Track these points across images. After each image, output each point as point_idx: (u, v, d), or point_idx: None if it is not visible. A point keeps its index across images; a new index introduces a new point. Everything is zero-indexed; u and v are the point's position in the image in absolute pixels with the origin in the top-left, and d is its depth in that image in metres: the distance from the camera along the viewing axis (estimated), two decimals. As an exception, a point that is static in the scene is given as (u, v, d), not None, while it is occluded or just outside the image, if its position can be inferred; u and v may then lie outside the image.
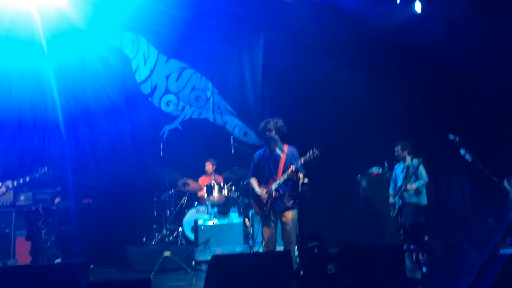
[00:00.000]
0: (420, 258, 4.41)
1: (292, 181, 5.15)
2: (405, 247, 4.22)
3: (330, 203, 8.05)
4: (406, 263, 4.08)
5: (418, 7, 8.45)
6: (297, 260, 5.32)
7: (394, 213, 6.79)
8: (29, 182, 5.13)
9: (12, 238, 6.12)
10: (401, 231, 4.67)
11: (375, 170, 7.89)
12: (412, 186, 6.57)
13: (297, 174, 4.98)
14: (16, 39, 7.08)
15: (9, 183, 4.82)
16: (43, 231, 6.24)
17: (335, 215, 8.05)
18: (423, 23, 8.10)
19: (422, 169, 6.63)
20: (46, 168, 5.04)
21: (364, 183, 7.80)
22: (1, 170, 5.41)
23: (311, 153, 5.01)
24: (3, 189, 4.78)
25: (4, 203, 6.16)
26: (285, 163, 5.19)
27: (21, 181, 4.94)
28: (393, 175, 7.05)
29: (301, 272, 3.84)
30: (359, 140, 8.32)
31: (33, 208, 6.26)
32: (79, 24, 7.54)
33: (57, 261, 6.15)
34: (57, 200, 6.63)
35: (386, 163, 7.84)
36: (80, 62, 7.81)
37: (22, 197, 6.37)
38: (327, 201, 7.97)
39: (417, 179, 6.61)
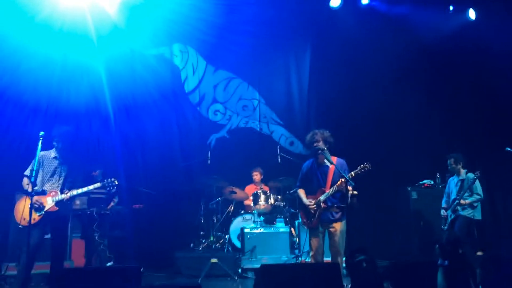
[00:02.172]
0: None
1: (340, 193, 5.11)
2: (439, 262, 4.07)
3: (379, 216, 7.87)
4: (438, 279, 3.95)
5: (472, 14, 8.22)
6: (344, 272, 5.25)
7: (446, 226, 6.60)
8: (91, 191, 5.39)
9: (68, 240, 6.42)
10: (437, 246, 4.50)
11: (426, 182, 7.68)
12: (466, 201, 6.38)
13: (346, 186, 4.95)
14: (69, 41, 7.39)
15: (74, 191, 5.11)
16: (97, 235, 6.48)
17: (384, 227, 7.86)
18: (477, 31, 7.86)
19: (477, 184, 6.43)
20: (113, 178, 5.29)
21: (414, 195, 7.59)
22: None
23: (362, 166, 4.95)
24: (69, 194, 5.07)
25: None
26: (333, 175, 5.16)
27: (91, 187, 5.23)
28: (447, 187, 6.85)
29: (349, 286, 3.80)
30: (410, 152, 8.12)
31: (88, 212, 6.52)
32: (130, 34, 7.83)
33: (109, 264, 6.36)
34: (111, 204, 6.88)
35: (438, 175, 7.61)
36: (130, 72, 8.10)
37: (77, 202, 6.63)
38: (376, 214, 7.80)
39: (471, 193, 6.41)
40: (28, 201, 4.98)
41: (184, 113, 8.65)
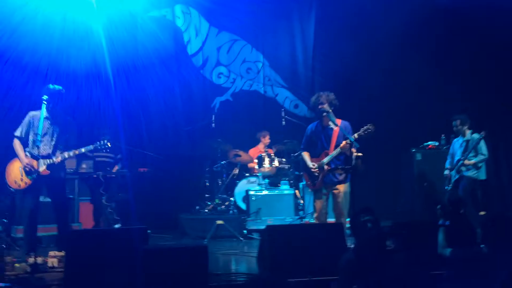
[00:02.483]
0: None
1: (344, 155, 5.11)
2: (440, 222, 4.12)
3: (384, 177, 7.90)
4: (438, 238, 4.00)
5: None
6: (348, 232, 5.33)
7: (450, 186, 6.62)
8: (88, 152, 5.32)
9: (76, 203, 6.52)
10: (438, 206, 4.55)
11: (431, 143, 7.66)
12: (470, 162, 6.38)
13: (350, 148, 4.95)
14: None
15: (66, 154, 5.02)
16: (104, 198, 6.57)
17: (389, 189, 7.92)
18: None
19: (482, 144, 6.40)
20: (106, 140, 5.21)
21: (419, 156, 7.59)
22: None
23: (365, 128, 4.94)
24: (60, 157, 4.98)
25: (69, 170, 6.52)
26: (337, 137, 5.15)
27: (82, 150, 5.13)
28: (451, 149, 6.83)
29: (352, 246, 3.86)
30: (415, 113, 8.06)
31: (94, 175, 6.58)
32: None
33: (117, 226, 6.48)
34: (115, 168, 6.95)
35: (443, 136, 7.58)
36: (131, 35, 7.98)
37: (84, 165, 6.71)
38: (381, 175, 7.82)
39: (476, 154, 6.40)
40: (18, 164, 4.91)
41: (187, 76, 8.57)
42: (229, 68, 8.79)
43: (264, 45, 8.85)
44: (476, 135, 6.45)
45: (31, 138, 4.99)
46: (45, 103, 4.93)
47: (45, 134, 5.00)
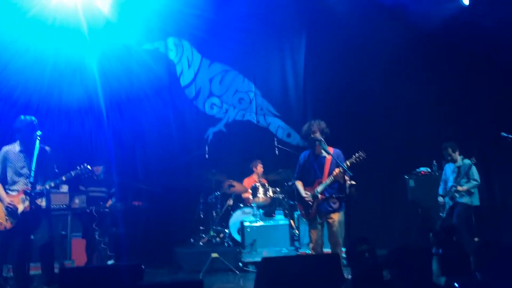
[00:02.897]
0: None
1: (338, 183, 5.12)
2: (433, 250, 4.09)
3: (377, 204, 7.90)
4: (433, 267, 3.96)
5: (465, 0, 8.18)
6: (344, 262, 5.28)
7: (444, 213, 6.64)
8: (66, 181, 5.16)
9: (69, 239, 6.43)
10: (431, 234, 4.54)
11: (423, 169, 7.70)
12: (463, 188, 6.43)
13: (344, 176, 4.96)
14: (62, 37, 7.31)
15: (47, 185, 4.90)
16: (97, 233, 6.48)
17: (383, 216, 7.90)
18: (471, 17, 7.83)
19: (474, 170, 6.48)
20: (85, 164, 5.07)
21: (412, 183, 7.63)
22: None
23: (356, 155, 4.97)
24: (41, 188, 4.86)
25: (61, 206, 6.46)
26: (330, 165, 5.17)
27: (63, 178, 5.02)
28: (443, 175, 6.88)
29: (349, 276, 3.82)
30: (406, 140, 8.12)
31: (87, 210, 6.51)
32: (123, 30, 7.77)
33: (110, 262, 6.37)
34: (109, 202, 6.89)
35: (434, 162, 7.63)
36: (124, 68, 8.04)
37: (76, 200, 6.65)
38: (374, 203, 7.82)
39: (468, 180, 6.45)
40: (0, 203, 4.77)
41: (181, 107, 8.63)
42: (222, 99, 8.87)
43: (255, 75, 8.96)
44: (467, 161, 6.52)
45: (9, 175, 4.88)
46: (39, 138, 4.85)
47: (22, 167, 4.88)
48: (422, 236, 7.02)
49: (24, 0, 6.76)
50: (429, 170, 7.71)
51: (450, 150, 6.68)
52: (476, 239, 6.61)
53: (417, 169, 7.76)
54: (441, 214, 6.68)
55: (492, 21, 7.40)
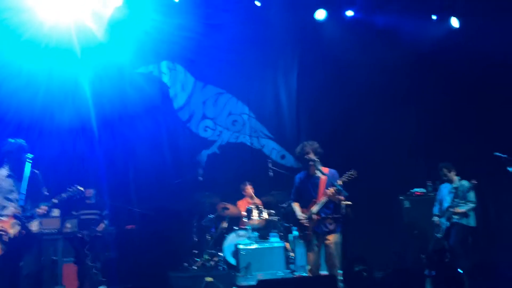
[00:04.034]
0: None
1: (333, 203, 5.09)
2: (426, 272, 4.05)
3: (373, 226, 7.85)
4: None
5: (454, 22, 8.35)
6: (341, 285, 5.20)
7: (441, 234, 6.59)
8: (58, 204, 5.05)
9: (59, 265, 6.30)
10: (423, 256, 4.51)
11: (418, 190, 7.69)
12: (462, 210, 6.44)
13: (338, 196, 4.94)
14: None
15: (38, 210, 4.81)
16: (89, 258, 6.36)
17: (379, 237, 7.83)
18: (461, 38, 7.98)
19: (472, 192, 6.48)
20: (77, 185, 4.99)
21: (407, 203, 7.61)
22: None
23: (348, 174, 4.96)
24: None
25: (52, 231, 6.35)
26: (325, 185, 5.14)
27: (55, 200, 4.92)
28: (438, 194, 6.87)
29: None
30: (401, 160, 8.14)
31: (79, 235, 6.41)
32: (117, 53, 7.80)
33: (102, 287, 6.23)
34: (101, 226, 6.79)
35: (429, 182, 7.63)
36: (118, 92, 8.02)
37: (68, 225, 6.56)
38: (370, 224, 7.78)
39: (465, 201, 6.44)
40: None
41: (174, 130, 8.62)
42: (215, 121, 8.87)
43: (249, 98, 9.00)
44: (465, 182, 6.52)
45: None
46: (30, 161, 4.76)
47: (11, 192, 4.77)
48: (417, 257, 6.95)
49: (18, 23, 6.77)
50: (424, 190, 7.70)
51: (445, 171, 6.69)
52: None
53: (412, 190, 7.74)
54: (436, 234, 6.63)
55: (481, 43, 7.54)
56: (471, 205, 6.47)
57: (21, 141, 4.92)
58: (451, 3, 8.13)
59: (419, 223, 7.41)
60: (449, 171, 6.67)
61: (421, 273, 4.37)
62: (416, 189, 7.75)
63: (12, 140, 4.89)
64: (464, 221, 6.46)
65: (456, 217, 6.46)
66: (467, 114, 8.13)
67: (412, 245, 7.42)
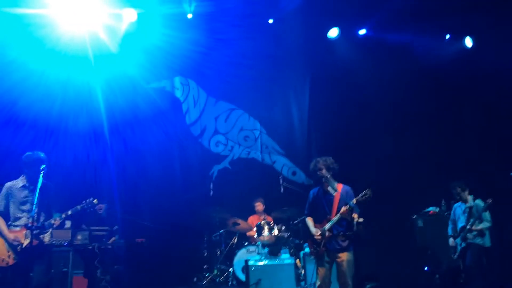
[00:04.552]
0: None
1: (346, 221, 5.04)
2: None
3: (386, 245, 7.72)
4: None
5: (468, 42, 8.35)
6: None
7: (456, 255, 6.46)
8: (70, 216, 5.11)
9: (69, 277, 6.28)
10: (437, 276, 4.41)
11: (432, 209, 7.59)
12: (477, 227, 6.30)
13: (352, 214, 4.89)
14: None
15: (52, 221, 4.86)
16: (99, 270, 6.33)
17: (392, 257, 7.70)
18: (475, 58, 7.96)
19: (487, 212, 6.35)
20: (92, 198, 5.05)
21: (420, 223, 7.50)
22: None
23: (363, 193, 4.91)
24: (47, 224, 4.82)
25: (63, 242, 6.35)
26: (339, 202, 5.10)
27: (69, 212, 4.99)
28: (452, 214, 6.75)
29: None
30: (414, 179, 8.04)
31: (90, 247, 6.40)
32: (131, 69, 7.94)
33: (111, 300, 6.20)
34: (112, 239, 6.78)
35: (443, 202, 7.53)
36: (131, 106, 8.15)
37: (79, 237, 6.55)
38: (383, 243, 7.65)
39: (481, 220, 6.32)
40: (1, 240, 4.73)
41: (186, 145, 8.67)
42: (227, 137, 8.91)
43: (261, 113, 9.05)
44: (480, 202, 6.40)
45: (11, 210, 4.85)
46: (42, 172, 4.81)
47: (25, 202, 4.87)
48: (431, 277, 6.83)
49: (41, 36, 6.91)
50: (437, 210, 7.58)
51: (459, 190, 6.56)
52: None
53: (426, 209, 7.64)
54: (453, 256, 6.49)
55: (495, 62, 7.51)
56: (487, 224, 6.33)
57: (39, 153, 5.01)
58: (465, 22, 8.14)
59: (431, 243, 7.28)
60: (463, 190, 6.55)
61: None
62: (430, 208, 7.64)
63: (32, 153, 4.99)
64: (479, 241, 6.33)
65: (471, 237, 6.34)
66: (481, 133, 8.06)
67: (426, 265, 7.28)
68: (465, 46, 8.39)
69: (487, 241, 6.35)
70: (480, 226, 6.30)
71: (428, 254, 7.27)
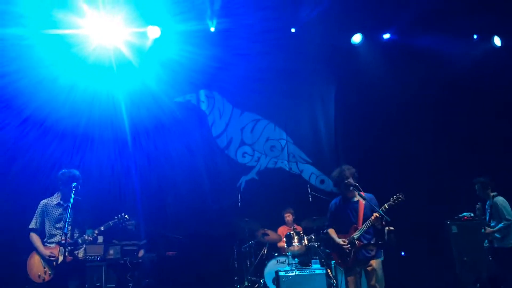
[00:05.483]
0: None
1: (374, 228, 4.94)
2: None
3: (420, 253, 7.53)
4: None
5: (497, 41, 8.13)
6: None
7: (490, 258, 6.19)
8: (102, 232, 5.22)
9: (102, 292, 6.39)
10: (478, 284, 4.21)
11: (466, 214, 7.35)
12: (491, 230, 6.02)
13: (382, 222, 4.79)
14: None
15: (86, 237, 4.98)
16: (131, 284, 6.42)
17: (426, 264, 7.50)
18: (504, 57, 7.74)
19: (502, 208, 6.00)
20: (123, 213, 5.16)
21: (455, 229, 7.27)
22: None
23: (395, 197, 4.81)
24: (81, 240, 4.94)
25: (96, 257, 6.48)
26: (364, 209, 5.02)
27: (102, 228, 5.10)
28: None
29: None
30: (446, 185, 7.83)
31: (121, 261, 6.50)
32: (156, 85, 8.08)
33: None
34: (140, 253, 6.88)
35: (478, 205, 7.27)
36: (156, 121, 8.26)
37: (111, 251, 6.67)
38: (416, 250, 7.47)
39: (500, 219, 6.01)
40: (38, 257, 4.86)
41: (213, 157, 8.73)
42: (253, 147, 8.92)
43: (286, 123, 9.03)
44: (498, 199, 6.09)
45: (47, 228, 4.98)
46: (74, 189, 4.93)
47: (60, 220, 4.98)
48: (469, 284, 6.59)
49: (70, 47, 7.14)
50: (472, 215, 7.34)
51: (479, 186, 6.23)
52: None
53: (460, 215, 7.41)
54: (490, 258, 6.21)
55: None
56: (507, 223, 5.93)
57: (74, 171, 5.13)
58: (492, 21, 7.93)
59: (468, 249, 7.04)
60: (484, 188, 6.21)
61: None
62: (464, 214, 7.41)
63: (67, 170, 5.12)
64: (502, 244, 5.96)
65: (496, 240, 6.02)
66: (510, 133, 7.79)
67: (463, 271, 7.04)
68: (494, 45, 8.16)
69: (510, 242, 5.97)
70: (497, 227, 6.00)
71: (464, 261, 7.03)
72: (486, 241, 6.30)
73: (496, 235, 6.02)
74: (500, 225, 6.00)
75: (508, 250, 5.96)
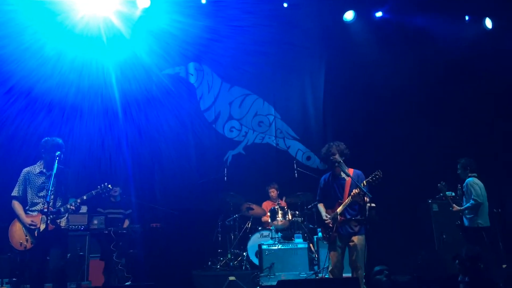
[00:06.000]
0: None
1: (358, 205, 5.01)
2: (460, 278, 3.89)
3: (400, 229, 7.67)
4: None
5: (488, 23, 8.13)
6: (364, 287, 5.10)
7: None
8: (86, 201, 5.13)
9: (86, 260, 6.42)
10: (457, 261, 4.31)
11: (448, 194, 7.46)
12: (457, 208, 6.18)
13: (363, 198, 4.84)
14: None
15: (68, 205, 4.94)
16: (115, 254, 6.46)
17: (406, 241, 7.65)
18: (494, 40, 7.75)
19: (471, 188, 6.12)
20: (106, 183, 5.13)
21: (435, 207, 7.40)
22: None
23: (374, 175, 4.86)
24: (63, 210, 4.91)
25: (79, 227, 6.49)
26: (350, 187, 5.06)
27: (84, 197, 5.06)
28: None
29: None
30: (430, 163, 7.93)
31: (105, 231, 6.52)
32: (145, 56, 7.97)
33: (128, 283, 6.32)
34: (126, 223, 6.89)
35: (459, 186, 7.40)
36: (146, 93, 8.18)
37: (95, 221, 6.68)
38: (397, 227, 7.61)
39: (468, 199, 6.13)
40: (19, 225, 4.82)
41: (200, 130, 8.68)
42: (241, 122, 8.90)
43: (275, 99, 9.00)
44: (470, 179, 6.21)
45: (29, 196, 4.92)
46: (58, 158, 4.86)
47: (42, 189, 4.91)
48: (446, 262, 6.74)
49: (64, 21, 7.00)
50: (453, 194, 7.47)
51: (459, 166, 6.39)
52: (504, 265, 6.27)
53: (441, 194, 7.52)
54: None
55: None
56: (472, 202, 6.05)
57: (57, 139, 5.04)
58: (484, 3, 7.91)
59: (447, 228, 7.18)
60: (463, 168, 6.33)
61: (452, 279, 4.23)
62: (446, 193, 7.52)
63: (50, 138, 5.03)
64: (470, 223, 6.11)
65: (466, 220, 6.15)
66: (499, 114, 7.87)
67: (441, 249, 7.20)
68: (486, 27, 8.16)
69: (482, 221, 6.10)
70: (462, 207, 6.16)
71: (443, 239, 7.19)
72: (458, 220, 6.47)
73: (467, 214, 6.14)
74: (467, 204, 6.14)
75: (475, 230, 6.10)
